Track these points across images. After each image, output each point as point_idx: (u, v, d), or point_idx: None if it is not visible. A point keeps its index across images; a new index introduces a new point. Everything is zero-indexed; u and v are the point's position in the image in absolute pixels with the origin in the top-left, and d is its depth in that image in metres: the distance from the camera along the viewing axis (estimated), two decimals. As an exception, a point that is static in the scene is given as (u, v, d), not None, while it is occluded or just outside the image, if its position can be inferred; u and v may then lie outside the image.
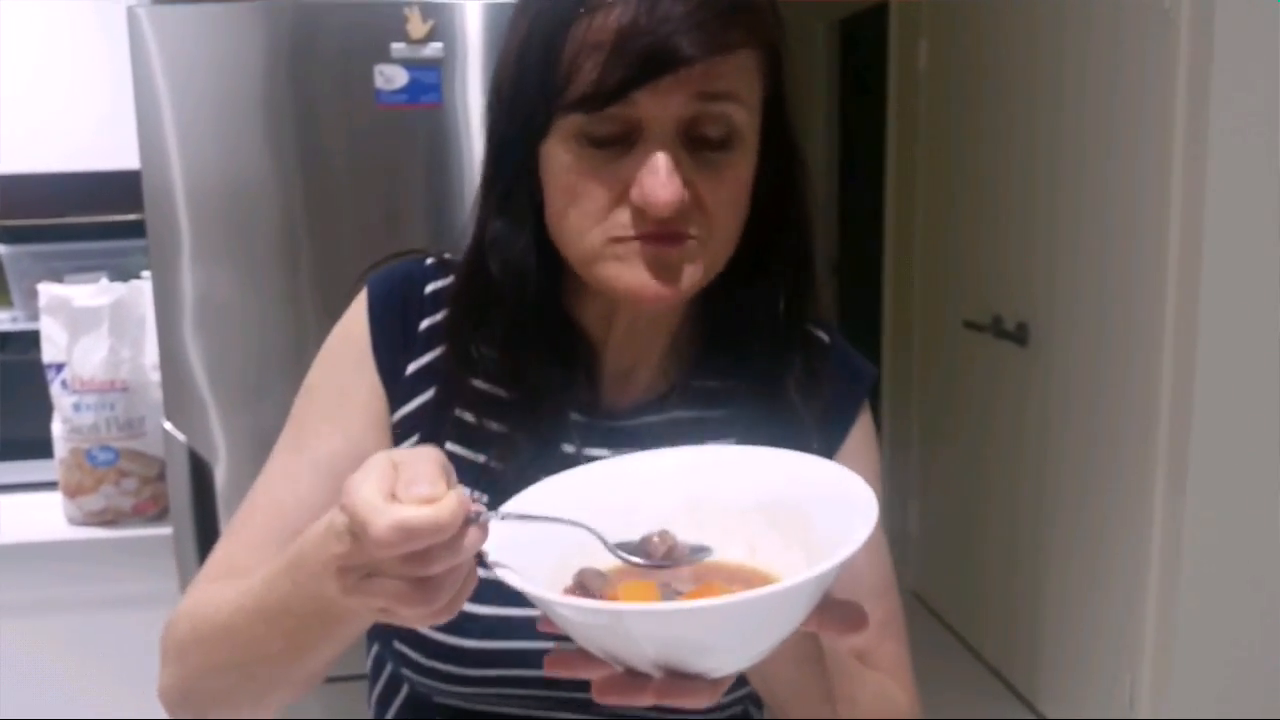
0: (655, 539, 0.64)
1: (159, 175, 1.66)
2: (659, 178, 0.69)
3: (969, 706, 2.99)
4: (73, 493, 1.82)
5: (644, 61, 0.67)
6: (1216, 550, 2.22)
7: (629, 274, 0.73)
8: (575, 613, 0.56)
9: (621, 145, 0.71)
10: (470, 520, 0.55)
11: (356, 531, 0.54)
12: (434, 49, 1.65)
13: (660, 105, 0.69)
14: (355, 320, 0.85)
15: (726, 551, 0.67)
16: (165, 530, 1.77)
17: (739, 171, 0.74)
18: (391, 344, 0.84)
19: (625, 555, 0.64)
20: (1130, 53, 2.34)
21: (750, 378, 0.84)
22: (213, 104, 1.65)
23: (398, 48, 1.65)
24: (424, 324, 0.85)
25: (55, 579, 1.81)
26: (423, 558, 0.54)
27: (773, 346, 0.83)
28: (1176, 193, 2.19)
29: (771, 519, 0.66)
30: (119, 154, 1.85)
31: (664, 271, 0.73)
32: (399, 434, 0.83)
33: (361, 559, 0.55)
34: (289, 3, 1.65)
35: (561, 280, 0.81)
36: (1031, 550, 2.90)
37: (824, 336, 0.90)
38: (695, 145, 0.71)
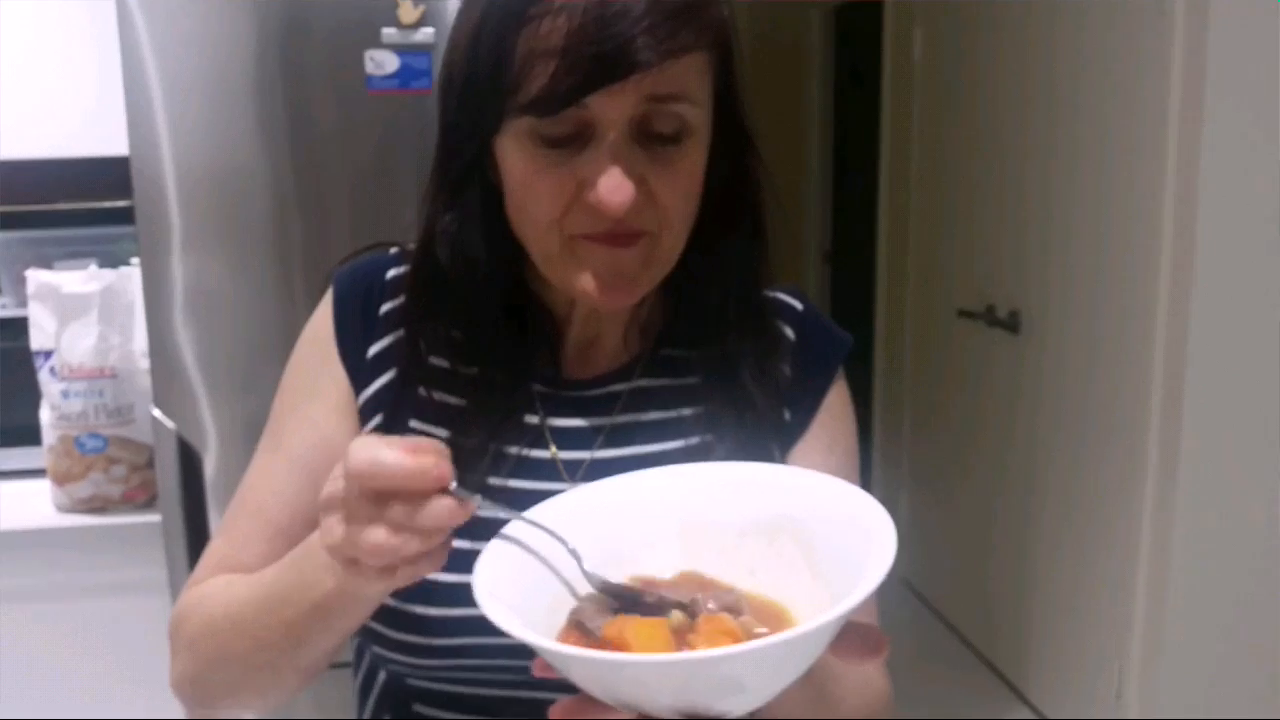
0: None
1: (149, 162, 1.65)
2: (612, 182, 0.71)
3: (957, 693, 3.00)
4: (61, 480, 1.81)
5: (595, 67, 0.68)
6: (1207, 541, 2.22)
7: (585, 279, 0.76)
8: (587, 665, 0.54)
9: (575, 144, 0.72)
10: (445, 491, 0.58)
11: (344, 467, 0.59)
12: (425, 34, 1.64)
13: (612, 106, 0.70)
14: (320, 317, 0.88)
15: (724, 575, 0.65)
16: (154, 517, 1.77)
17: (690, 163, 0.76)
18: (354, 330, 0.86)
19: (600, 582, 0.63)
20: (1125, 42, 2.33)
21: (714, 346, 0.85)
22: (203, 90, 1.64)
23: (389, 33, 1.64)
24: (384, 308, 0.87)
25: (44, 566, 1.81)
26: (385, 500, 0.58)
27: (735, 315, 0.85)
28: (1170, 182, 2.19)
29: (770, 538, 0.65)
30: (108, 140, 1.84)
31: (619, 278, 0.76)
32: (364, 415, 0.86)
33: (341, 496, 0.60)
34: (279, -13, 1.64)
35: (524, 260, 0.82)
36: (1022, 538, 2.91)
37: (796, 304, 0.92)
38: (647, 140, 0.73)
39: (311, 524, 0.81)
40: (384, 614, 0.79)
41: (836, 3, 4.56)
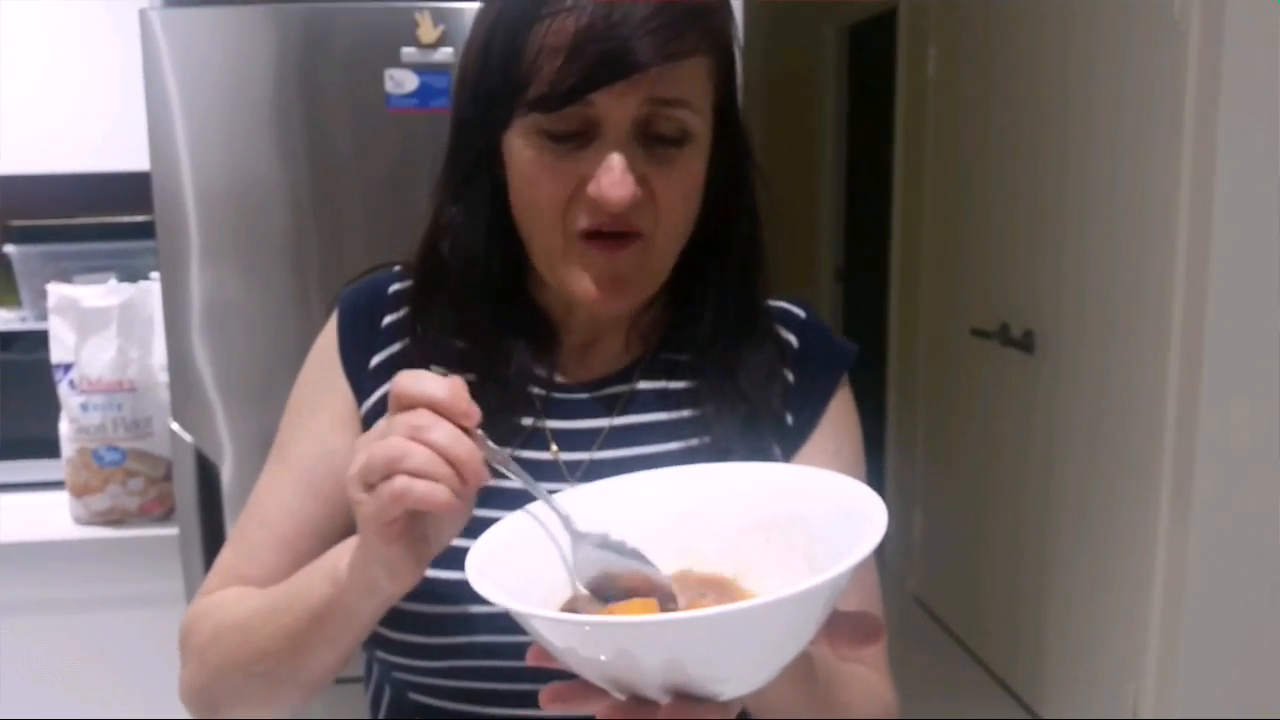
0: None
1: (169, 177, 1.67)
2: (614, 176, 0.73)
3: (970, 712, 2.98)
4: (79, 492, 1.83)
5: (598, 66, 0.71)
6: (1221, 559, 2.21)
7: (584, 282, 0.78)
8: (576, 635, 0.54)
9: (579, 140, 0.74)
10: (471, 433, 0.62)
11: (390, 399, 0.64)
12: (444, 53, 1.65)
13: (616, 105, 0.72)
14: (326, 334, 0.91)
15: (722, 572, 0.66)
16: (171, 530, 1.77)
17: (691, 168, 0.78)
18: (357, 342, 0.88)
19: (599, 539, 0.64)
20: (1139, 61, 2.34)
21: (713, 350, 0.86)
22: (223, 106, 1.66)
23: (408, 52, 1.65)
24: (387, 319, 0.89)
25: (61, 578, 1.82)
26: (419, 419, 0.62)
27: (734, 320, 0.87)
28: (1184, 201, 2.19)
29: (768, 536, 0.65)
30: (129, 155, 1.86)
31: (616, 282, 0.78)
32: (366, 424, 0.87)
33: (378, 430, 0.64)
34: (300, 6, 1.65)
35: (525, 260, 0.84)
36: (1036, 558, 2.90)
37: (799, 312, 0.93)
38: (649, 142, 0.75)
39: (315, 535, 0.83)
40: (388, 616, 0.80)
41: (850, 21, 4.57)
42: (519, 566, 0.62)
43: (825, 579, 0.51)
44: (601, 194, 0.73)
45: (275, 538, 0.85)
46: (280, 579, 0.79)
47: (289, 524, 0.85)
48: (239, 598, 0.82)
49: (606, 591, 0.64)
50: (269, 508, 0.87)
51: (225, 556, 0.88)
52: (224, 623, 0.80)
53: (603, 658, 0.53)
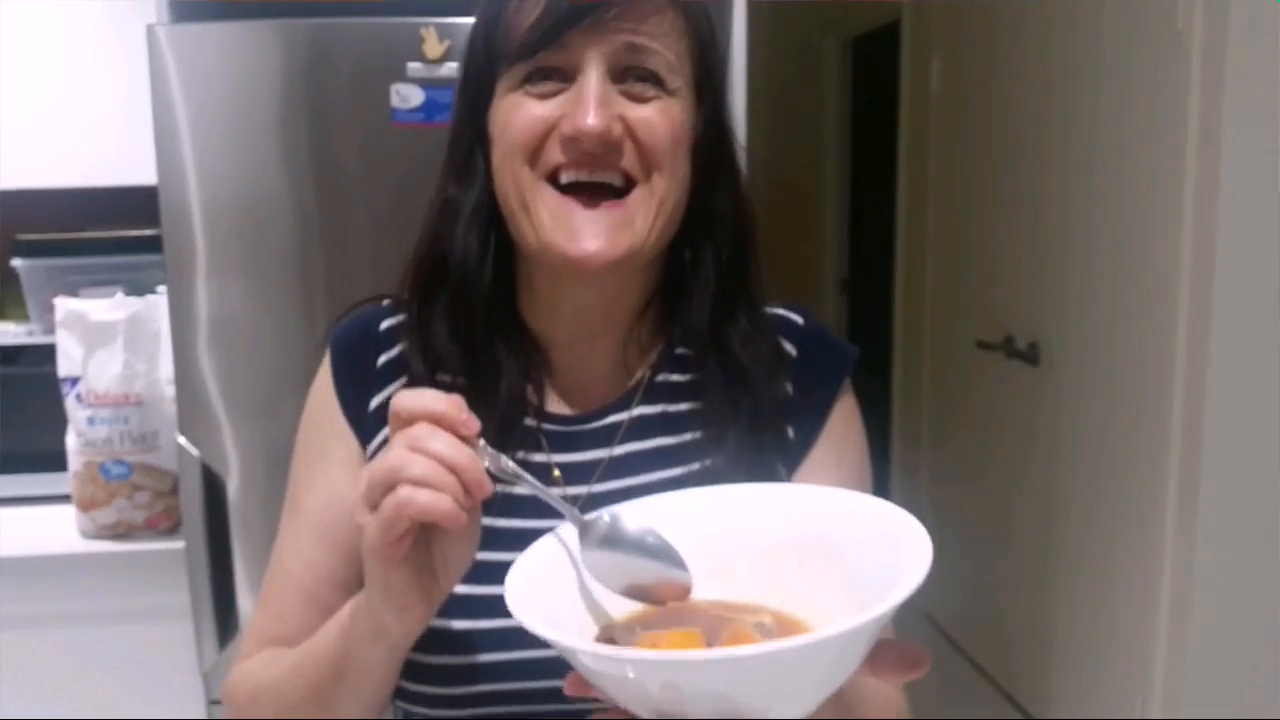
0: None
1: (176, 191, 1.67)
2: (586, 105, 0.74)
3: (979, 727, 2.98)
4: (86, 506, 1.83)
5: (570, 9, 0.73)
6: (1229, 573, 2.20)
7: (561, 232, 0.76)
8: (629, 668, 0.53)
9: (559, 86, 0.76)
10: (471, 444, 0.63)
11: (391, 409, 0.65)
12: (450, 68, 1.66)
13: (589, 47, 0.74)
14: (321, 378, 0.90)
15: (753, 596, 0.65)
16: (177, 544, 1.77)
17: (671, 113, 0.78)
18: (354, 385, 0.87)
19: (569, 511, 0.65)
20: (1142, 73, 2.34)
21: (712, 367, 0.85)
22: (230, 121, 1.67)
23: (414, 67, 1.66)
24: (381, 359, 0.87)
25: (67, 592, 1.82)
26: (419, 430, 0.62)
27: (732, 333, 0.85)
28: (1189, 213, 2.19)
29: (800, 558, 0.65)
30: (136, 170, 1.87)
31: (598, 231, 0.76)
32: None
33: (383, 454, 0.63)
34: (306, 21, 1.66)
35: (513, 274, 0.84)
36: (1041, 571, 2.89)
37: (797, 319, 0.91)
38: (626, 83, 0.76)
39: (336, 585, 0.83)
40: (405, 666, 0.80)
41: (854, 34, 4.58)
42: (551, 594, 0.62)
43: (876, 614, 0.51)
44: (576, 125, 0.74)
45: (299, 593, 0.84)
46: (310, 633, 0.79)
47: (309, 577, 0.85)
48: (273, 659, 0.82)
49: (639, 597, 0.65)
50: (288, 563, 0.86)
51: (255, 620, 0.88)
52: (260, 685, 0.81)
53: (650, 690, 0.53)
